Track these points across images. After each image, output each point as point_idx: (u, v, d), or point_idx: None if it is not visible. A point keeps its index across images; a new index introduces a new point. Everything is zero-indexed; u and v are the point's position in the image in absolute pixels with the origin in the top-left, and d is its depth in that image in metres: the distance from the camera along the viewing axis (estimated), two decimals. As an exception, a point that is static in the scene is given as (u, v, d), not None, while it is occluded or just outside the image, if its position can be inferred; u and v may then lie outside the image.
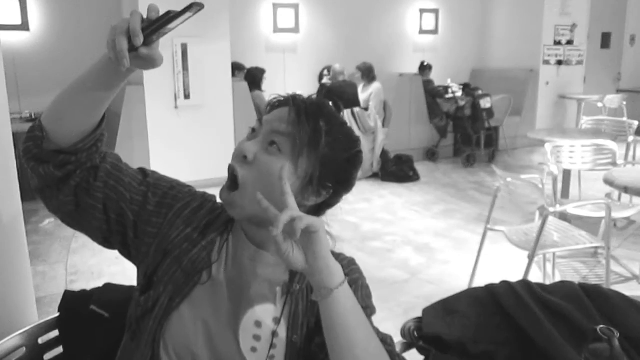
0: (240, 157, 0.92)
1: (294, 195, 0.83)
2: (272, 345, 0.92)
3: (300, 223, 0.75)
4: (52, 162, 0.90)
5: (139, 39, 0.76)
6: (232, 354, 0.92)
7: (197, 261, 0.94)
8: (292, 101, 0.94)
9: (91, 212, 0.94)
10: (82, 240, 3.87)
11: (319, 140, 0.91)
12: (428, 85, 7.05)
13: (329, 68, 6.92)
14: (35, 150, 0.91)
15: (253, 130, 0.95)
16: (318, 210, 1.00)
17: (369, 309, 0.96)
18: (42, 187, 0.94)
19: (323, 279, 0.80)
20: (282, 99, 0.96)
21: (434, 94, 6.91)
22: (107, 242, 0.99)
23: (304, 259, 0.80)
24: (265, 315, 0.92)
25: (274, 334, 0.92)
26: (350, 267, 1.00)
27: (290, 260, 0.79)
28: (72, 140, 0.90)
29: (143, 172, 1.01)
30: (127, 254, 1.01)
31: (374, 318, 0.98)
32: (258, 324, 0.92)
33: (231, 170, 0.92)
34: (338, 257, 1.01)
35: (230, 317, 0.93)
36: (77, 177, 0.92)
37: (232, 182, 0.91)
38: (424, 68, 7.30)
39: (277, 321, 0.92)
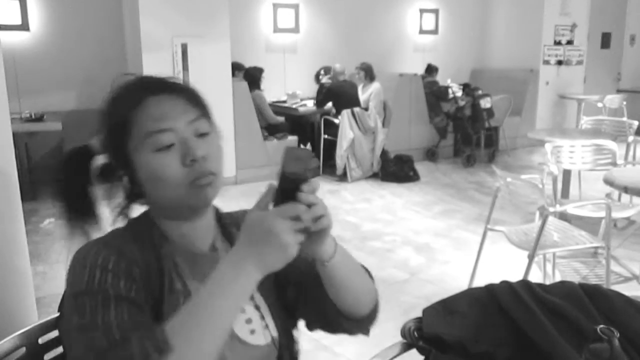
0: (200, 161, 0.90)
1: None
2: (261, 317, 0.98)
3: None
4: None
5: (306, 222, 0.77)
6: (238, 349, 0.93)
7: (174, 304, 0.90)
8: (151, 90, 0.92)
9: None
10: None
11: (198, 97, 0.96)
12: (433, 86, 7.05)
13: (326, 69, 6.92)
14: None
15: (168, 147, 0.89)
16: None
17: None
18: None
19: (322, 254, 0.86)
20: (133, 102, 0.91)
21: (438, 95, 6.91)
22: None
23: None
24: None
25: (257, 307, 0.98)
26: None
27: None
28: None
29: None
30: None
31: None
32: (242, 310, 0.95)
33: (206, 176, 0.91)
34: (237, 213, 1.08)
35: None
36: None
37: (212, 176, 0.91)
38: (431, 70, 7.31)
39: (251, 297, 0.96)
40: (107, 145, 0.94)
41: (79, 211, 0.98)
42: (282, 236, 0.75)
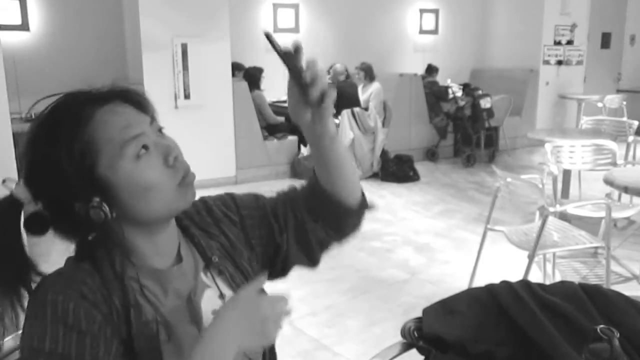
0: (180, 158, 0.88)
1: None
2: None
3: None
4: None
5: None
6: None
7: (148, 336, 0.86)
8: (95, 102, 0.86)
9: None
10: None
11: (141, 97, 0.91)
12: (433, 86, 7.06)
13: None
14: None
15: (144, 148, 0.84)
16: None
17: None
18: None
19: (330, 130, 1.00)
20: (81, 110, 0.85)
21: (438, 95, 6.92)
22: None
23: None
24: (213, 302, 0.93)
25: (222, 296, 0.96)
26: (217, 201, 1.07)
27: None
28: None
29: None
30: None
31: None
32: (215, 312, 0.91)
33: (189, 173, 0.89)
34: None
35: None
36: None
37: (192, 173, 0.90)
38: (431, 70, 7.32)
39: (222, 296, 0.94)
40: (64, 179, 0.80)
41: (14, 279, 0.84)
42: (269, 326, 0.82)
